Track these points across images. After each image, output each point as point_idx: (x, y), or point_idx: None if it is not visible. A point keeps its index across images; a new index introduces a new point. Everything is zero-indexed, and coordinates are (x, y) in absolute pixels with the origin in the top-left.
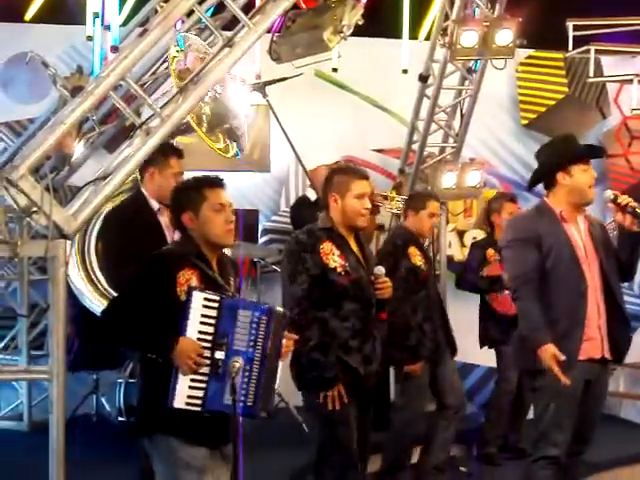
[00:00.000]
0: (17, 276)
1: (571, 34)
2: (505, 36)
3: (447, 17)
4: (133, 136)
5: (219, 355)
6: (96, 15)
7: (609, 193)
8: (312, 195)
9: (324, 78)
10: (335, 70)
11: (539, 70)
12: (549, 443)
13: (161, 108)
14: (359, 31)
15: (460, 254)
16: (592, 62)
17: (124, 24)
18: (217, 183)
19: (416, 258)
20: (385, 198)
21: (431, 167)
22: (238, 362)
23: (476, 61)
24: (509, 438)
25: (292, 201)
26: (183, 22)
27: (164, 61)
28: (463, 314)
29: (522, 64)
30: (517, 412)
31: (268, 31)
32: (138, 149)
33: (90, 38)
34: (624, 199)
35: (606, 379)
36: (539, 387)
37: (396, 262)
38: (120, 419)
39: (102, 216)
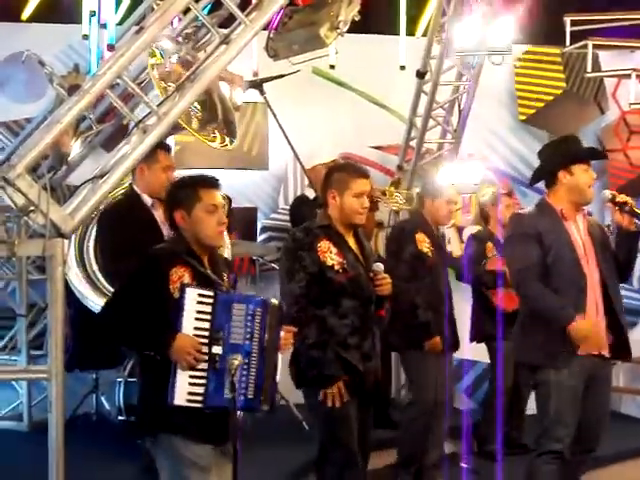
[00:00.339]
0: (16, 276)
1: (568, 29)
2: (502, 31)
3: (444, 13)
4: (130, 134)
5: (216, 350)
6: (92, 14)
7: (607, 193)
8: (310, 194)
9: (321, 75)
10: (332, 67)
11: (537, 65)
12: (552, 438)
13: (158, 106)
14: (356, 28)
15: (459, 250)
16: (590, 57)
17: (120, 23)
18: (212, 184)
19: (423, 244)
20: (384, 194)
21: (429, 163)
22: (237, 359)
23: (473, 57)
24: (510, 434)
25: (291, 199)
26: (180, 20)
27: None
28: (463, 309)
29: (519, 59)
30: (515, 408)
31: (265, 28)
32: (135, 147)
33: (86, 37)
34: (622, 198)
35: (607, 375)
36: (540, 382)
37: (400, 247)
38: (120, 418)
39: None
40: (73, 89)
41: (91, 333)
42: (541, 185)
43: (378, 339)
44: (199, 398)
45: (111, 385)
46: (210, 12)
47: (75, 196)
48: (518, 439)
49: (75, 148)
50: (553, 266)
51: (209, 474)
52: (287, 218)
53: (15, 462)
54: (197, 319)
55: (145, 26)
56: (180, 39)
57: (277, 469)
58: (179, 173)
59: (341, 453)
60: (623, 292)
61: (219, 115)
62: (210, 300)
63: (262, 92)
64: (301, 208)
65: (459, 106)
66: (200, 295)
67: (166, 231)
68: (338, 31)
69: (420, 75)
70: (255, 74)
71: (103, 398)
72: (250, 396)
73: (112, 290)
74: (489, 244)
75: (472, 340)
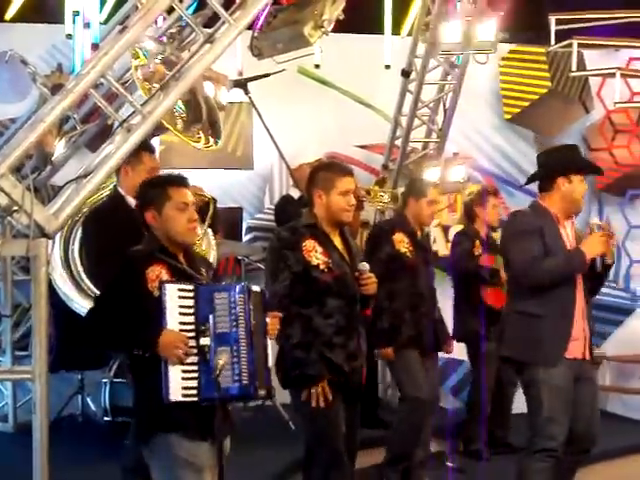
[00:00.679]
0: (0, 276)
1: (553, 28)
2: (487, 30)
3: (429, 12)
4: (114, 134)
5: (204, 341)
6: (76, 13)
7: (596, 221)
8: (295, 194)
9: (306, 74)
10: (317, 66)
11: (521, 65)
12: (545, 436)
13: (142, 105)
14: (341, 27)
15: (445, 249)
16: (575, 56)
17: (105, 22)
18: (181, 182)
19: (401, 245)
20: (368, 193)
21: (415, 162)
22: (222, 359)
23: (458, 56)
24: (495, 433)
25: (277, 198)
26: (165, 19)
27: None
28: (449, 309)
29: (504, 59)
30: (499, 407)
31: (250, 28)
32: (119, 146)
33: (69, 37)
34: (607, 231)
35: (592, 376)
36: (529, 382)
37: (375, 247)
38: (106, 419)
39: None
40: (56, 88)
41: (75, 334)
42: (529, 185)
43: (364, 339)
44: (194, 392)
45: (97, 386)
46: (195, 12)
47: (59, 196)
48: (503, 438)
49: (59, 148)
50: None
51: (203, 474)
52: (273, 218)
53: (0, 463)
54: (181, 314)
55: (129, 25)
56: (164, 39)
57: (263, 469)
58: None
59: (327, 453)
60: (609, 291)
61: (203, 115)
62: (191, 294)
63: (247, 91)
64: (286, 208)
65: (444, 105)
66: (180, 290)
67: None
68: (322, 30)
69: (405, 74)
70: (240, 74)
71: (89, 399)
72: (245, 382)
73: (96, 292)
74: (477, 242)
75: (454, 337)
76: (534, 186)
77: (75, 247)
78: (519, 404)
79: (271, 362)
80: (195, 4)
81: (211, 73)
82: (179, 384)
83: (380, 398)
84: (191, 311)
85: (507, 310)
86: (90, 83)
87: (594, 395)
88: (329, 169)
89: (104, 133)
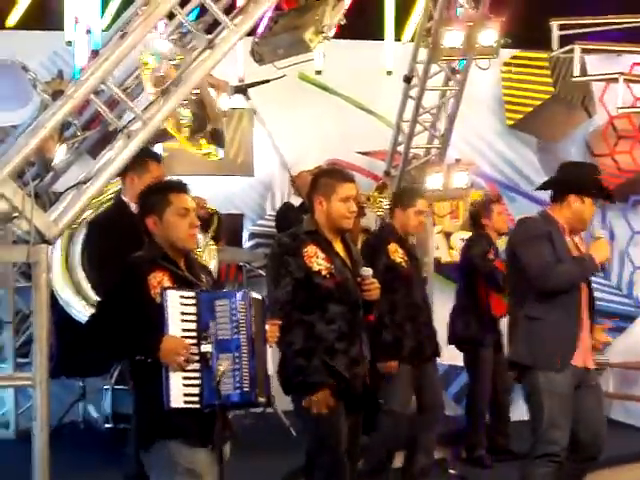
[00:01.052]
0: (1, 283)
1: (555, 33)
2: (489, 36)
3: (431, 18)
4: (115, 140)
5: (206, 348)
6: (77, 21)
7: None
8: (296, 201)
9: (308, 81)
10: (319, 72)
11: (524, 70)
12: (547, 441)
13: (143, 111)
14: (343, 33)
15: (447, 256)
16: (577, 61)
17: (107, 29)
18: (182, 188)
19: (396, 255)
20: (368, 199)
21: (417, 169)
22: (222, 365)
23: (460, 61)
24: (496, 440)
25: (278, 205)
26: (166, 25)
27: None
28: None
29: (506, 64)
30: (498, 414)
31: (251, 33)
32: (120, 152)
33: (69, 43)
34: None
35: (596, 384)
36: (531, 387)
37: (373, 259)
38: (107, 426)
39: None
40: (57, 95)
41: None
42: (529, 191)
43: (367, 345)
44: (195, 399)
45: (98, 393)
46: (197, 18)
47: (59, 202)
48: (505, 445)
49: (60, 154)
50: None
51: None
52: (274, 224)
53: (2, 470)
54: (183, 320)
55: (129, 31)
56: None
57: (265, 476)
58: None
59: (328, 459)
60: (612, 297)
61: (208, 124)
62: (192, 301)
63: (247, 97)
64: (287, 215)
65: (446, 111)
66: (182, 297)
67: None
68: (323, 35)
69: (407, 80)
70: (241, 80)
71: (90, 406)
72: (246, 388)
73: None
74: (490, 247)
75: (457, 344)
76: (537, 193)
77: (77, 254)
78: (521, 412)
79: (271, 369)
80: (197, 10)
81: (212, 79)
82: (180, 391)
83: (381, 404)
84: (193, 318)
85: (513, 315)
86: (90, 89)
87: (599, 402)
88: (330, 175)
89: (106, 139)
